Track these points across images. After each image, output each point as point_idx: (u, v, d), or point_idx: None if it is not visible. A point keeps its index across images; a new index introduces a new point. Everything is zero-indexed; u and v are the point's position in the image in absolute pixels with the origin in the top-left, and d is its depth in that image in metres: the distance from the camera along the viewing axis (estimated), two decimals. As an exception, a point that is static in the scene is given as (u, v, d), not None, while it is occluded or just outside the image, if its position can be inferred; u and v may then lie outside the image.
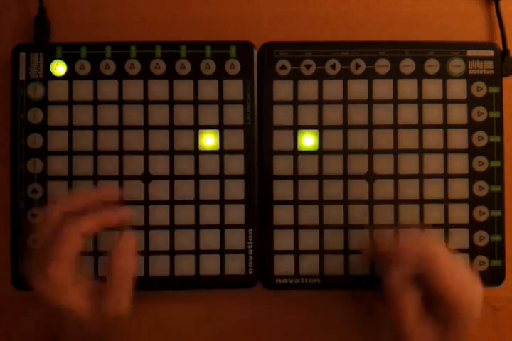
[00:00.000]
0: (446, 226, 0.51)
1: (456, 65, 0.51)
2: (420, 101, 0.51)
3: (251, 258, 0.50)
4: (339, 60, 0.51)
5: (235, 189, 0.50)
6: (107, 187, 0.46)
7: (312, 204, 0.50)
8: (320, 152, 0.51)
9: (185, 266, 0.50)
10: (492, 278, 0.51)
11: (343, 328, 0.52)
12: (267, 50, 0.51)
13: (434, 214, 0.51)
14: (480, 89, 0.51)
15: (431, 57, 0.51)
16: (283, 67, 0.51)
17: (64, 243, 0.38)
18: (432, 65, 0.51)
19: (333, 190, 0.50)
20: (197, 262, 0.50)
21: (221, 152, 0.51)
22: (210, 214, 0.50)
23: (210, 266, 0.50)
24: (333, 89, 0.51)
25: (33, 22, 0.51)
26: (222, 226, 0.50)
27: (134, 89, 0.50)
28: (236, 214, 0.50)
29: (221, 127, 0.51)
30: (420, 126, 0.51)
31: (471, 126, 0.51)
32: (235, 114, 0.51)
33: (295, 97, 0.51)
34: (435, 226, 0.51)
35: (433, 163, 0.51)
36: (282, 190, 0.51)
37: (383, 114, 0.51)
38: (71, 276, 0.39)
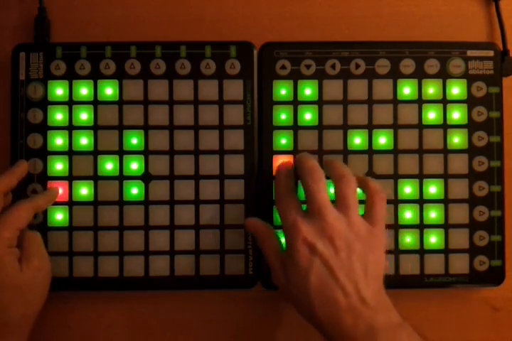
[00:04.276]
0: (447, 226, 0.51)
1: (456, 65, 0.51)
2: (420, 102, 0.51)
3: (251, 258, 0.50)
4: (339, 60, 0.51)
5: (235, 189, 0.50)
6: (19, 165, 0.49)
7: (312, 204, 0.50)
8: (320, 152, 0.51)
9: (185, 266, 0.50)
10: (492, 278, 0.51)
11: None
12: (267, 50, 0.51)
13: (434, 214, 0.51)
14: (480, 89, 0.51)
15: (431, 57, 0.51)
16: (283, 67, 0.51)
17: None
18: (432, 65, 0.51)
19: (333, 189, 0.50)
20: (197, 262, 0.50)
21: (221, 152, 0.51)
22: (210, 214, 0.50)
23: (210, 266, 0.50)
24: (333, 89, 0.51)
25: (33, 22, 0.51)
26: (222, 226, 0.50)
27: (134, 89, 0.50)
28: (236, 214, 0.50)
29: (221, 127, 0.51)
30: (420, 126, 0.51)
31: (471, 126, 0.51)
32: (235, 114, 0.51)
33: (295, 97, 0.51)
34: (435, 226, 0.51)
35: (433, 163, 0.51)
36: (282, 190, 0.51)
37: (383, 114, 0.51)
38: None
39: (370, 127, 0.51)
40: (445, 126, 0.51)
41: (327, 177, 0.46)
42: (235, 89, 0.51)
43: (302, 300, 0.43)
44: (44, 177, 0.50)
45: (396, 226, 0.51)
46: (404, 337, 0.42)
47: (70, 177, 0.50)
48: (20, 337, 0.45)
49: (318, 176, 0.45)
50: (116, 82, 0.50)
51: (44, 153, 0.50)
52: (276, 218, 0.50)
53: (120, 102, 0.50)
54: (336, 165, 0.47)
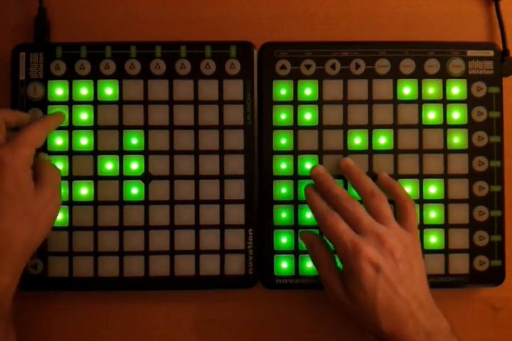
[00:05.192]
0: (447, 226, 0.51)
1: (456, 65, 0.51)
2: (420, 102, 0.51)
3: (251, 258, 0.50)
4: (339, 60, 0.51)
5: (235, 189, 0.50)
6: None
7: (312, 204, 0.50)
8: (320, 152, 0.51)
9: (185, 266, 0.50)
10: (492, 278, 0.51)
11: (343, 328, 0.52)
12: (267, 50, 0.51)
13: (434, 214, 0.51)
14: (480, 89, 0.51)
15: (431, 57, 0.51)
16: (283, 67, 0.51)
17: None
18: (432, 65, 0.51)
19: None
20: (197, 262, 0.50)
21: (221, 152, 0.51)
22: (210, 214, 0.50)
23: (210, 266, 0.50)
24: (333, 89, 0.51)
25: (33, 22, 0.51)
26: (222, 226, 0.50)
27: (134, 89, 0.50)
28: (236, 214, 0.50)
29: (221, 127, 0.51)
30: (420, 126, 0.51)
31: (471, 126, 0.51)
32: (235, 114, 0.51)
33: (295, 97, 0.51)
34: (435, 226, 0.51)
35: (433, 163, 0.51)
36: (282, 190, 0.51)
37: (383, 114, 0.51)
38: None
39: (370, 127, 0.51)
40: (445, 126, 0.51)
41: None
42: (235, 89, 0.51)
43: (367, 315, 0.44)
44: (44, 177, 0.50)
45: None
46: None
47: (70, 177, 0.50)
48: (16, 268, 0.44)
49: (354, 201, 0.47)
50: (116, 82, 0.50)
51: (44, 153, 0.50)
52: (277, 218, 0.50)
53: (120, 102, 0.50)
54: (363, 181, 0.48)
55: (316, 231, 0.50)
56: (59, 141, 0.50)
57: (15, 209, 0.43)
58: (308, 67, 0.51)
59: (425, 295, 0.45)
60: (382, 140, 0.51)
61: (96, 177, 0.50)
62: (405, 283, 0.44)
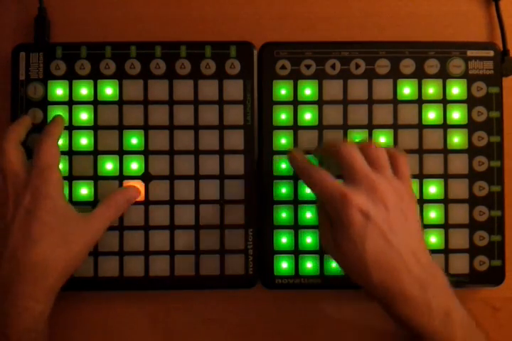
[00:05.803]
0: (447, 226, 0.51)
1: (456, 65, 0.51)
2: (420, 102, 0.51)
3: (251, 258, 0.50)
4: (339, 60, 0.51)
5: (235, 189, 0.50)
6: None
7: (312, 204, 0.50)
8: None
9: (185, 266, 0.50)
10: (492, 278, 0.51)
11: (343, 328, 0.52)
12: (267, 50, 0.51)
13: (434, 214, 0.51)
14: (480, 89, 0.51)
15: (431, 57, 0.51)
16: (283, 67, 0.51)
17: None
18: (432, 65, 0.51)
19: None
20: (197, 262, 0.50)
21: (221, 152, 0.51)
22: (210, 214, 0.50)
23: (210, 266, 0.50)
24: (333, 89, 0.51)
25: (33, 22, 0.51)
26: (222, 226, 0.50)
27: (134, 89, 0.50)
28: (236, 214, 0.50)
29: (221, 127, 0.51)
30: (420, 126, 0.51)
31: (471, 126, 0.51)
32: (235, 114, 0.51)
33: (295, 97, 0.51)
34: (435, 226, 0.51)
35: (433, 163, 0.51)
36: (282, 190, 0.51)
37: (383, 114, 0.51)
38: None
39: (370, 127, 0.51)
40: (445, 126, 0.51)
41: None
42: (235, 89, 0.51)
43: (357, 268, 0.42)
44: (44, 177, 0.50)
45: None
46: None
47: (70, 177, 0.50)
48: (50, 295, 0.44)
49: (351, 145, 0.45)
50: (116, 82, 0.50)
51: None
52: (277, 218, 0.50)
53: (120, 102, 0.50)
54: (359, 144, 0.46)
55: (317, 232, 0.50)
56: (59, 141, 0.50)
57: (53, 237, 0.43)
58: (308, 67, 0.51)
59: (420, 246, 0.43)
60: (382, 140, 0.51)
61: (96, 177, 0.50)
62: (398, 233, 0.42)
